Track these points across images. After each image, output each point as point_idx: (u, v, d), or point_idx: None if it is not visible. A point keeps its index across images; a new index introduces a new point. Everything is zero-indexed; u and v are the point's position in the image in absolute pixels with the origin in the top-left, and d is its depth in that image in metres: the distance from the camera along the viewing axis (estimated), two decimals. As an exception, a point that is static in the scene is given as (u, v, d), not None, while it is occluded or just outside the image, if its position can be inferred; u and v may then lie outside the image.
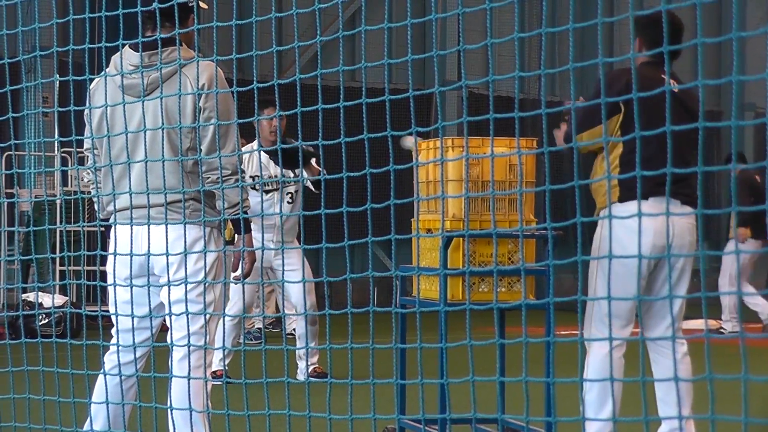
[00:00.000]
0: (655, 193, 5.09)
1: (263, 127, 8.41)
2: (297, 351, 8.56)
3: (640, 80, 5.12)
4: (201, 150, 4.65)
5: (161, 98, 4.54)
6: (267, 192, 8.53)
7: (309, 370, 8.39)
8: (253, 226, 8.28)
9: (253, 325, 11.99)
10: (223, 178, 4.65)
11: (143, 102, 4.59)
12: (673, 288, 5.32)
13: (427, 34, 18.18)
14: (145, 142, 4.57)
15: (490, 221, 5.70)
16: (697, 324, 13.22)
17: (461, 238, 5.42)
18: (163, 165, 4.49)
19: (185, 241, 4.47)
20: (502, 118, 3.40)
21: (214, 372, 8.23)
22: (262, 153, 8.43)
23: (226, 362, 8.32)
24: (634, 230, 4.99)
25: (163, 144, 4.59)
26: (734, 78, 2.89)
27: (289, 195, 8.60)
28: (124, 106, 4.54)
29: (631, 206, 5.16)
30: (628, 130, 5.15)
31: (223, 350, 8.01)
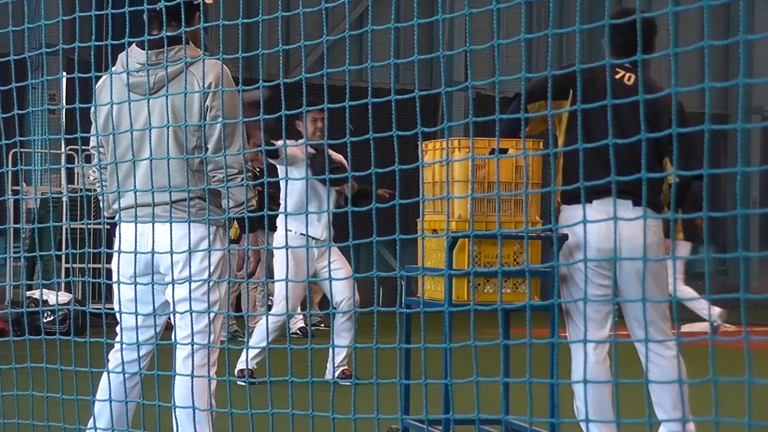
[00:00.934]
0: (599, 194, 4.96)
1: (307, 128, 8.33)
2: (329, 351, 8.46)
3: (588, 76, 5.00)
4: (207, 149, 4.65)
5: (167, 96, 4.55)
6: (325, 184, 8.35)
7: (337, 373, 8.31)
8: (297, 220, 8.26)
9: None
10: (229, 177, 4.65)
11: (149, 100, 4.60)
12: (636, 293, 5.15)
13: (435, 35, 18.18)
14: (150, 140, 4.57)
15: (496, 222, 5.70)
16: (699, 327, 13.26)
17: (467, 239, 5.41)
18: (168, 164, 4.49)
19: (189, 240, 4.47)
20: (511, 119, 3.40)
21: (240, 370, 8.21)
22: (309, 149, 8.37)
23: (256, 362, 8.27)
24: (576, 235, 4.97)
25: (168, 142, 4.59)
26: (741, 81, 2.88)
27: (338, 194, 8.53)
28: (129, 104, 4.54)
29: (574, 210, 5.11)
30: (568, 130, 5.08)
31: (267, 349, 7.94)
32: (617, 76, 5.27)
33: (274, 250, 8.18)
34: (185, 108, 4.52)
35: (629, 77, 5.30)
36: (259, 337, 8.26)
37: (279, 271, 8.30)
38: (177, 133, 4.67)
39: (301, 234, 8.09)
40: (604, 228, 4.90)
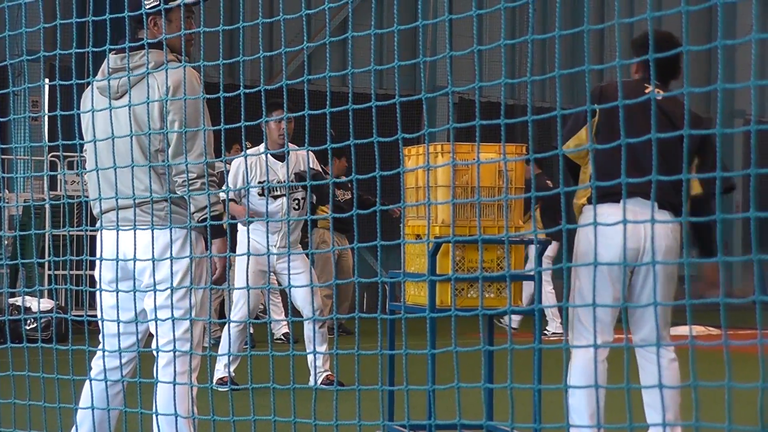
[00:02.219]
0: (628, 194, 5.07)
1: (272, 130, 8.30)
2: (308, 358, 8.37)
3: (614, 92, 5.17)
4: (169, 154, 4.64)
5: (130, 102, 4.56)
6: (275, 198, 8.38)
7: (320, 379, 8.23)
8: (257, 230, 8.26)
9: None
10: (189, 182, 4.63)
11: (112, 105, 4.61)
12: (650, 294, 5.27)
13: (420, 41, 18.21)
14: (113, 145, 4.57)
15: (481, 227, 5.71)
16: (685, 330, 13.31)
17: (450, 244, 5.42)
18: (133, 170, 4.50)
19: (153, 245, 4.45)
20: (491, 125, 3.40)
21: (220, 378, 8.19)
22: (270, 156, 8.34)
23: (232, 368, 8.25)
24: (603, 233, 5.01)
25: (132, 147, 4.59)
26: (719, 86, 2.89)
27: (296, 201, 8.46)
28: (93, 111, 4.55)
29: (600, 209, 5.17)
30: (602, 136, 5.17)
31: (229, 356, 7.95)
32: (647, 91, 5.37)
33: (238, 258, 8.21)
34: (145, 113, 4.54)
35: (658, 92, 5.40)
36: (225, 344, 8.27)
37: (238, 274, 8.24)
38: (140, 137, 4.67)
39: (258, 241, 8.13)
40: (632, 227, 5.06)
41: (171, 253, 4.53)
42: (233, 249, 8.10)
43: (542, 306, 3.45)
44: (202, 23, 4.16)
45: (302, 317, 8.95)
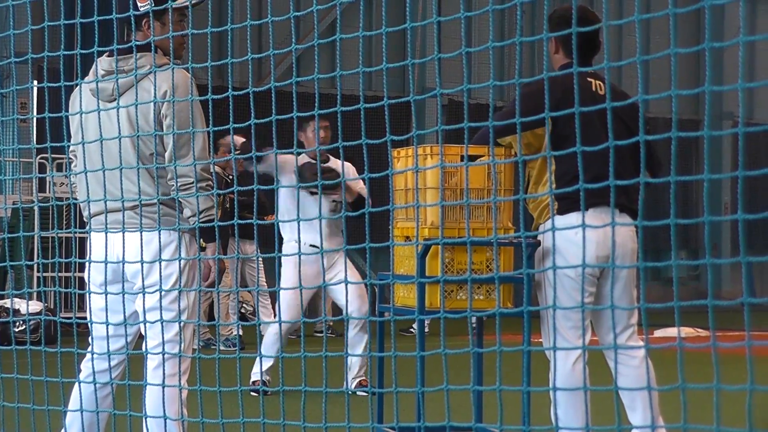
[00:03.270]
0: (594, 204, 5.03)
1: (309, 140, 8.23)
2: (349, 361, 8.28)
3: (562, 91, 4.99)
4: (165, 158, 4.64)
5: (126, 104, 4.55)
6: (312, 194, 8.23)
7: (354, 383, 8.19)
8: (292, 231, 8.15)
9: (231, 332, 11.97)
10: (186, 186, 4.62)
11: (103, 108, 4.61)
12: (620, 297, 5.28)
13: (409, 42, 18.21)
14: (102, 148, 4.56)
15: (470, 229, 5.71)
16: (671, 332, 13.32)
17: (440, 246, 5.42)
18: (121, 172, 4.49)
19: (142, 247, 4.45)
20: (479, 127, 3.40)
21: (254, 382, 8.12)
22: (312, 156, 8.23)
23: (266, 371, 8.17)
24: (575, 242, 5.01)
25: (128, 150, 4.58)
26: (707, 88, 2.90)
27: (334, 203, 8.34)
28: (81, 113, 4.55)
29: (570, 218, 5.15)
30: (560, 146, 4.81)
31: (260, 358, 7.84)
32: (593, 88, 5.31)
33: (283, 260, 8.13)
34: (141, 116, 4.53)
35: (599, 85, 5.34)
36: (266, 347, 8.18)
37: (284, 281, 8.16)
38: (134, 140, 4.66)
39: (311, 245, 8.02)
40: (602, 236, 5.08)
41: (160, 256, 4.53)
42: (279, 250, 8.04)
43: (532, 308, 3.45)
44: (190, 25, 4.15)
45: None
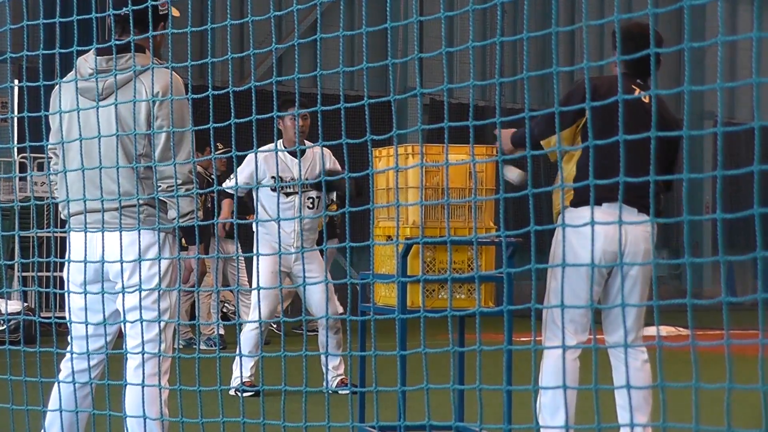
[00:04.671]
0: (608, 198, 5.08)
1: (287, 128, 8.15)
2: (322, 360, 8.25)
3: (608, 89, 5.14)
4: (153, 159, 4.62)
5: (116, 104, 4.53)
6: (287, 195, 8.18)
7: (335, 382, 8.16)
8: (266, 230, 8.12)
9: (213, 332, 11.94)
10: (173, 188, 4.60)
11: (98, 107, 4.58)
12: (627, 296, 5.31)
13: (392, 42, 18.22)
14: (82, 147, 4.55)
15: (451, 228, 5.71)
16: (650, 331, 13.35)
17: (420, 246, 5.42)
18: (101, 172, 4.48)
19: (121, 246, 4.44)
20: (462, 126, 3.40)
21: (243, 383, 8.06)
22: (286, 154, 8.15)
23: (249, 372, 8.12)
24: (585, 236, 5.04)
25: (117, 149, 4.56)
26: (686, 88, 2.91)
27: (310, 200, 8.27)
28: (60, 112, 4.52)
29: (583, 211, 5.18)
30: (587, 137, 5.17)
31: (240, 357, 7.80)
32: (636, 93, 5.38)
33: (258, 249, 8.08)
34: (133, 116, 4.51)
35: (646, 96, 5.41)
36: (246, 346, 8.14)
37: (257, 274, 8.08)
38: (124, 140, 4.65)
39: (274, 243, 7.97)
40: (612, 231, 5.12)
41: (140, 255, 4.52)
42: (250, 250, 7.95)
43: (512, 307, 3.46)
44: (170, 25, 4.14)
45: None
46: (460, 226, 5.81)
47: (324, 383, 8.06)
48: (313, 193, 8.25)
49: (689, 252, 2.97)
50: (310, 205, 8.25)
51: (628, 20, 5.61)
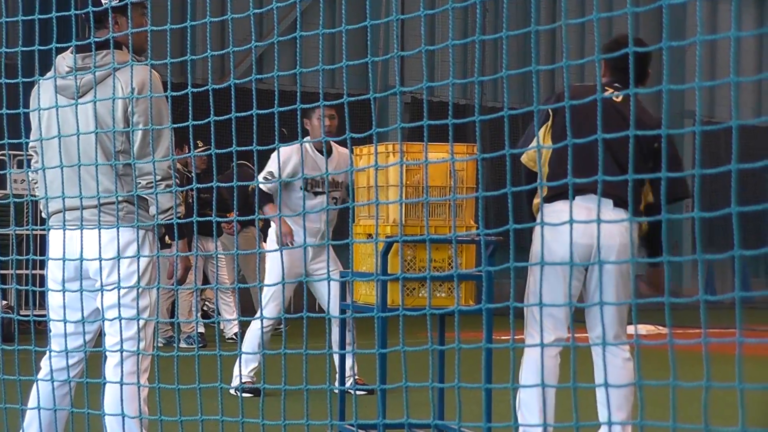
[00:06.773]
0: (582, 191, 5.12)
1: (315, 128, 8.00)
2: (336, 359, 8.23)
3: (582, 95, 5.25)
4: (131, 156, 4.61)
5: (94, 101, 4.52)
6: (317, 194, 8.11)
7: (350, 381, 7.98)
8: (295, 227, 8.08)
9: (193, 329, 11.92)
10: (152, 185, 4.59)
11: (77, 104, 4.57)
12: (605, 291, 5.32)
13: (372, 40, 18.21)
14: (60, 144, 4.53)
15: (431, 226, 5.72)
16: (632, 329, 13.40)
17: (402, 243, 5.43)
18: (79, 169, 4.47)
19: (99, 243, 4.42)
20: (442, 125, 3.41)
21: (244, 383, 8.00)
22: (316, 152, 8.06)
23: (251, 371, 8.06)
24: (557, 229, 5.06)
25: (78, 147, 4.55)
26: (665, 87, 2.92)
27: (334, 200, 8.19)
28: (39, 109, 4.51)
29: (557, 205, 5.21)
30: (554, 136, 5.29)
31: (240, 356, 7.70)
32: (606, 93, 5.45)
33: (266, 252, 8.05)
34: (111, 113, 4.50)
35: (619, 96, 5.46)
36: (250, 345, 8.05)
37: (269, 272, 8.05)
38: (101, 137, 4.64)
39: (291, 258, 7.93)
40: (583, 223, 5.12)
41: (118, 253, 4.51)
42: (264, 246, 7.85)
43: (490, 306, 3.47)
44: (149, 22, 4.13)
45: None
46: (440, 225, 5.82)
47: (326, 382, 7.98)
48: (336, 193, 8.23)
49: (668, 250, 2.98)
50: (333, 205, 8.19)
51: (619, 33, 5.79)
